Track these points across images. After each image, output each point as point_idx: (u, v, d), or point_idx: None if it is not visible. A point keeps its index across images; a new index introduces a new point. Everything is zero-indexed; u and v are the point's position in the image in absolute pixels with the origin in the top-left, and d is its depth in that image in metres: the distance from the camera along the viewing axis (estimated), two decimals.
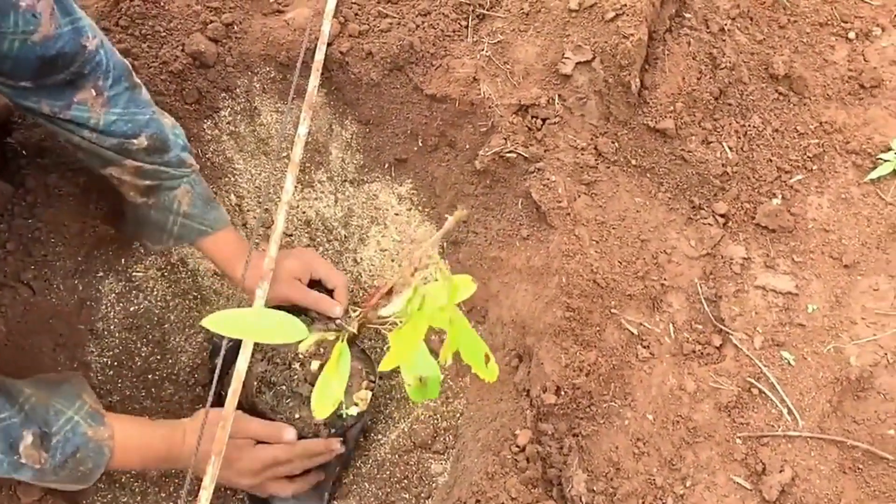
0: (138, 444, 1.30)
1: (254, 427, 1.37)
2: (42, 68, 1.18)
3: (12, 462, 1.15)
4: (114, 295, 1.58)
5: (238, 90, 1.65)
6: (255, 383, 1.44)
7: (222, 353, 1.29)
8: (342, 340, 0.97)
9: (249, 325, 0.90)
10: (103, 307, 1.57)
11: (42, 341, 1.48)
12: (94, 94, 1.26)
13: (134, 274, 1.62)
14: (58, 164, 1.53)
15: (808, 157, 1.48)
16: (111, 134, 1.29)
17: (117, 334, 1.58)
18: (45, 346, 1.48)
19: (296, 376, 1.46)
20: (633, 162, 1.48)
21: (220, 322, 0.86)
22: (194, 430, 1.31)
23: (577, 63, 1.47)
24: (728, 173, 1.46)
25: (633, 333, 1.37)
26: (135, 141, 1.31)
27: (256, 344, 1.37)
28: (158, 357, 1.61)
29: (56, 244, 1.51)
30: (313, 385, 0.97)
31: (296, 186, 1.62)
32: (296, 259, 1.52)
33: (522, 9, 1.55)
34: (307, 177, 1.72)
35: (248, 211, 1.71)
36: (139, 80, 1.35)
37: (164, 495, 1.49)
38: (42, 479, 1.20)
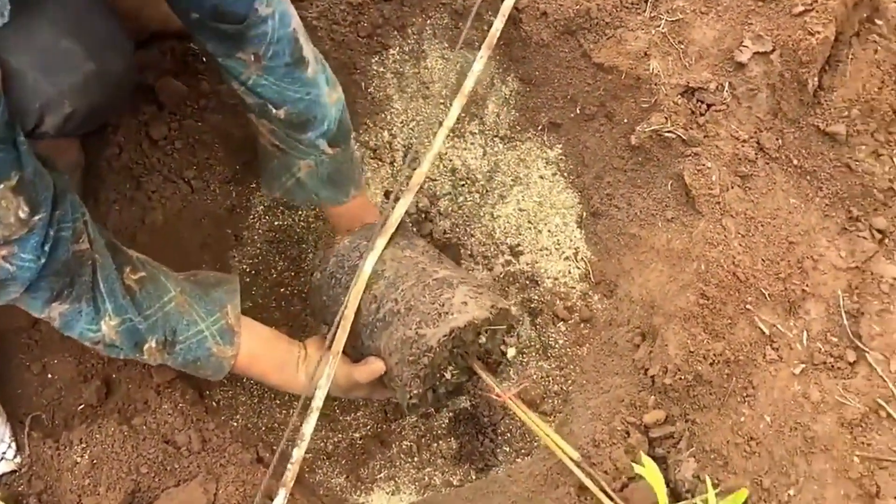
0: (259, 366, 1.37)
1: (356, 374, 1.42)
2: (214, 13, 1.21)
3: (133, 356, 1.23)
4: (262, 207, 1.66)
5: (410, 30, 1.69)
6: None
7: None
8: None
9: None
10: (251, 217, 1.65)
11: (192, 238, 1.57)
12: (253, 59, 1.27)
13: None
14: None
15: None
16: (256, 95, 1.31)
17: (259, 245, 1.66)
18: (193, 243, 1.57)
19: None
20: (795, 162, 1.44)
21: None
22: (308, 367, 1.37)
23: (754, 53, 1.44)
24: (894, 189, 1.40)
25: (764, 333, 1.34)
26: (274, 110, 1.32)
27: None
28: (292, 273, 1.68)
29: (219, 149, 1.60)
30: None
31: (447, 135, 1.63)
32: None
33: None
34: (460, 127, 1.75)
35: (397, 150, 1.75)
36: (309, 56, 1.32)
37: (278, 402, 1.56)
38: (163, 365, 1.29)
